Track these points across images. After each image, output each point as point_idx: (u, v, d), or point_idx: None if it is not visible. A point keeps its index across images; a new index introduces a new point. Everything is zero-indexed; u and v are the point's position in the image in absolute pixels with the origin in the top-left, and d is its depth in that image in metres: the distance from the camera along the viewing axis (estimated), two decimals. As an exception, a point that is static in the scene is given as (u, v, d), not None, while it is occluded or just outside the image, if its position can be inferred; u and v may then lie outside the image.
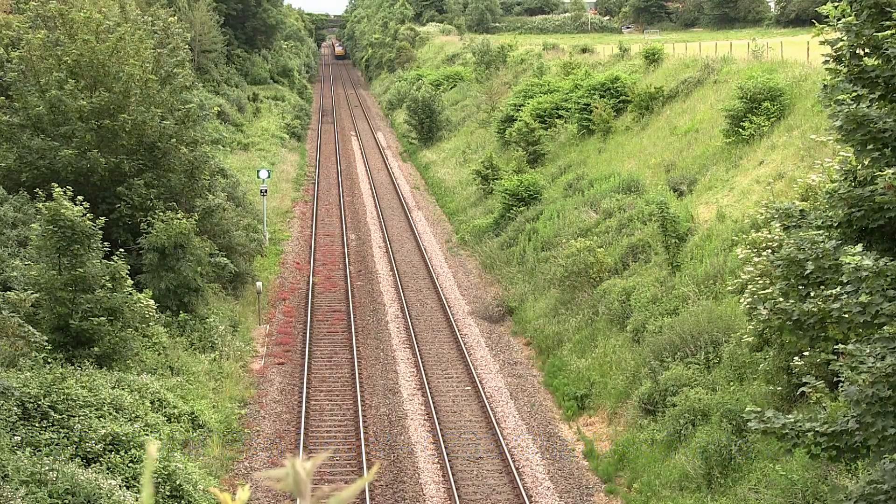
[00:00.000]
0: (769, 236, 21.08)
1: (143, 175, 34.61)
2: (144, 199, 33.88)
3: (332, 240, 51.58)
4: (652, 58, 57.02)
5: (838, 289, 13.49)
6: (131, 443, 21.50)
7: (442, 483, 24.99)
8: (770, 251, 19.83)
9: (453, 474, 25.10)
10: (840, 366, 13.64)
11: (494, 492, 24.47)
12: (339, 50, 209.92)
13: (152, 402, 25.10)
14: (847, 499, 13.32)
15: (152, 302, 28.30)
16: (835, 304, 13.42)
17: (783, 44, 49.73)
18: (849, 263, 13.06)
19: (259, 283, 38.42)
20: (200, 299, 34.01)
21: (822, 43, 16.05)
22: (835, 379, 17.81)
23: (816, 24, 17.09)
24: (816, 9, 16.62)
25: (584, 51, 74.23)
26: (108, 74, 34.72)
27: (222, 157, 53.41)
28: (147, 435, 22.40)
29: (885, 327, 12.91)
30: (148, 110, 34.62)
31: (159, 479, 20.40)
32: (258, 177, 51.01)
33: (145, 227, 32.88)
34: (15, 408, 20.61)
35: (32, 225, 27.23)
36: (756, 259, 20.98)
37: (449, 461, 25.80)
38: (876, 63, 14.16)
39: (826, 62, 15.63)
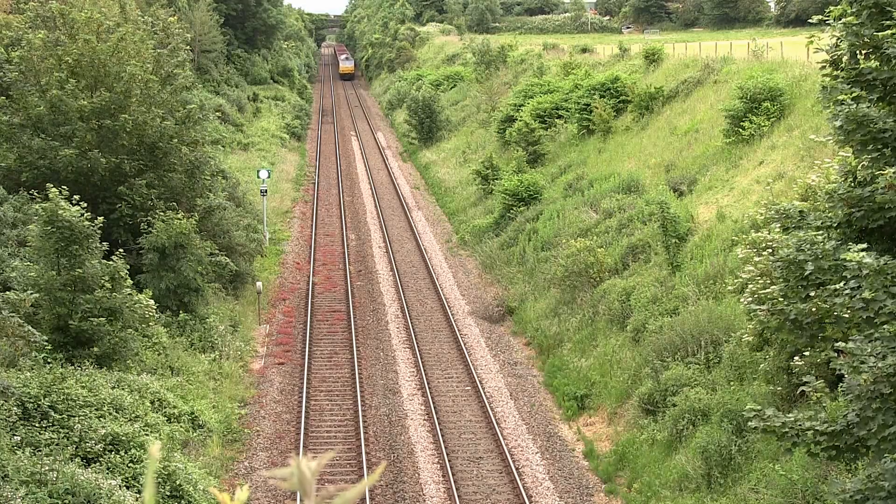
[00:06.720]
0: (769, 237, 21.07)
1: (143, 175, 34.62)
2: (145, 200, 33.89)
3: (332, 240, 51.58)
4: (652, 58, 57.02)
5: (841, 284, 13.47)
6: (131, 443, 21.49)
7: (442, 483, 24.99)
8: (770, 251, 19.82)
9: (453, 474, 25.10)
10: (840, 364, 13.63)
11: (494, 492, 24.47)
12: (345, 66, 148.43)
13: (152, 402, 25.09)
14: (845, 493, 13.31)
15: (152, 302, 28.28)
16: (837, 298, 13.40)
17: (783, 44, 49.76)
18: (851, 261, 13.06)
19: (259, 283, 38.42)
20: (200, 299, 34.02)
21: (817, 51, 16.08)
22: (835, 378, 17.80)
23: (812, 30, 17.11)
24: (816, 16, 16.57)
25: (584, 51, 74.28)
26: (109, 74, 34.74)
27: (222, 157, 53.41)
28: (147, 435, 22.39)
29: (885, 326, 12.90)
30: (149, 110, 34.63)
31: (159, 479, 20.40)
32: (258, 177, 51.00)
33: (145, 227, 32.89)
34: (15, 408, 20.60)
35: (30, 226, 27.19)
36: (756, 259, 20.97)
37: (449, 461, 25.80)
38: (874, 65, 14.15)
39: (822, 68, 15.67)
